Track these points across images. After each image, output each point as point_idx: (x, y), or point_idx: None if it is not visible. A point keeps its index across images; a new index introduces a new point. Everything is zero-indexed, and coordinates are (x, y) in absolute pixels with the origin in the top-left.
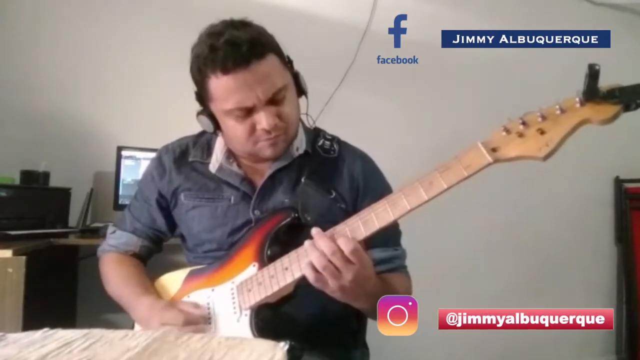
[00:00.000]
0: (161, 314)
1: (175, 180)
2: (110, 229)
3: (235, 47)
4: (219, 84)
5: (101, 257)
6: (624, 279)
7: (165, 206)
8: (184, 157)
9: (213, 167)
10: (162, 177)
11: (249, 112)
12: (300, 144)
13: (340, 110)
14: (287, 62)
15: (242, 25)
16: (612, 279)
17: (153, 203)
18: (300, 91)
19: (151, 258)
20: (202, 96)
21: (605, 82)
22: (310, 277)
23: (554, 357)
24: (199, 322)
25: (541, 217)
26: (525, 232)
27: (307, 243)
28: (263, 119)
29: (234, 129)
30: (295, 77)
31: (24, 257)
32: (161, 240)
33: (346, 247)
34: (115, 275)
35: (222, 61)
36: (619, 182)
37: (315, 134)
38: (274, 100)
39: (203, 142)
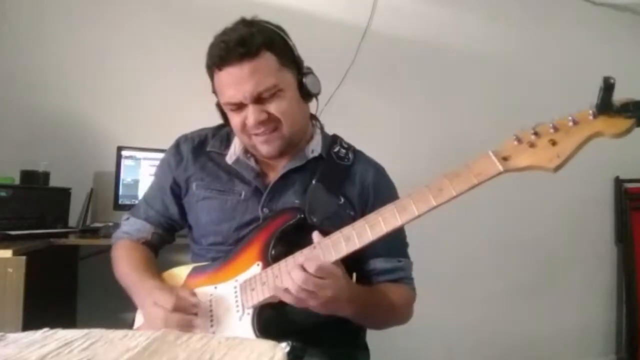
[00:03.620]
0: (157, 292)
1: (190, 169)
2: (125, 216)
3: (227, 44)
4: (217, 78)
5: (114, 244)
6: (624, 279)
7: (179, 194)
8: (202, 146)
9: (230, 158)
10: (178, 164)
11: (241, 107)
12: (315, 147)
13: (340, 110)
14: (292, 62)
15: (249, 23)
16: (612, 279)
17: (167, 190)
18: (306, 93)
19: (163, 247)
20: (213, 89)
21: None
22: (290, 301)
23: (554, 357)
24: (189, 310)
25: (541, 217)
26: (525, 232)
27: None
28: (250, 115)
29: (232, 121)
30: (300, 78)
31: (24, 257)
32: (174, 228)
33: (310, 268)
34: (125, 258)
35: (217, 57)
36: (619, 182)
37: (332, 140)
38: (262, 98)
39: (223, 134)
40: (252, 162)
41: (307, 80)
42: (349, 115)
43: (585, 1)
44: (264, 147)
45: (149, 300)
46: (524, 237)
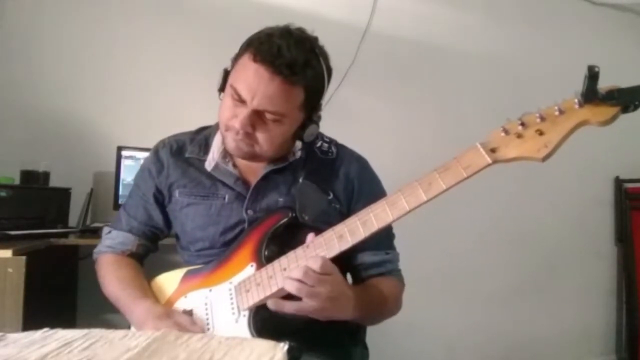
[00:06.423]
0: (155, 323)
1: (172, 175)
2: (106, 229)
3: (280, 51)
4: (247, 62)
5: (97, 259)
6: (624, 279)
7: (162, 201)
8: (181, 152)
9: (209, 165)
10: (160, 172)
11: (241, 102)
12: (296, 151)
13: (340, 110)
14: (312, 108)
15: (310, 48)
16: (612, 279)
17: (150, 199)
18: (299, 134)
19: (148, 257)
20: (234, 60)
21: (605, 82)
22: (292, 308)
23: (554, 357)
24: (190, 329)
25: (541, 217)
26: (525, 232)
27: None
28: (240, 117)
29: (224, 104)
30: (307, 122)
31: (24, 257)
32: (158, 237)
33: (315, 265)
34: (113, 277)
35: (261, 51)
36: (619, 182)
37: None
38: (261, 114)
39: (201, 139)
40: (230, 167)
41: (309, 127)
42: (349, 115)
43: (585, 1)
44: (230, 144)
45: (149, 326)
46: (524, 237)
